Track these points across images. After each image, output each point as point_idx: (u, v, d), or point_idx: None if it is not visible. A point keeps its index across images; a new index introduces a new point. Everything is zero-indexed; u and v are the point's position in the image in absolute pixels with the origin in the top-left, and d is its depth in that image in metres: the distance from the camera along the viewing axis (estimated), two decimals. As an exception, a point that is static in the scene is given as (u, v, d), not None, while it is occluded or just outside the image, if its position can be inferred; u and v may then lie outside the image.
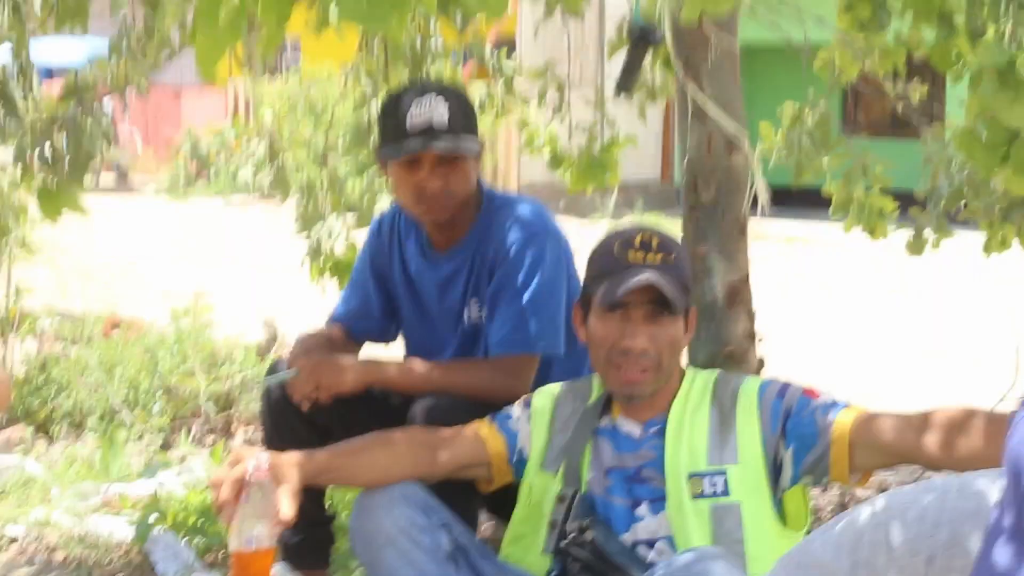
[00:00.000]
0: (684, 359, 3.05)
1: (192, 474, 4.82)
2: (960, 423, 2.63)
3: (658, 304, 2.87)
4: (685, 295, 2.92)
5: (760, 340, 4.49)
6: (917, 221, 5.20)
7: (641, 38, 5.16)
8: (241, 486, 2.61)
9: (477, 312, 3.59)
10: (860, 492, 4.68)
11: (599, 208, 17.84)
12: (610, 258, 2.92)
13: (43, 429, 5.85)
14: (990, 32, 3.11)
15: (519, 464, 3.08)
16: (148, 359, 6.37)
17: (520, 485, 3.08)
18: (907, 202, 5.21)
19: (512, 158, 19.85)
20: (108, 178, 23.28)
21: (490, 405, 3.20)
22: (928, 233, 5.25)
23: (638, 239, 2.91)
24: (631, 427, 2.97)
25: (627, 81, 5.34)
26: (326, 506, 3.78)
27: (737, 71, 4.45)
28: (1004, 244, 5.01)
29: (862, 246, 5.95)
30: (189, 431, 5.72)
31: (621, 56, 5.32)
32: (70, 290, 8.24)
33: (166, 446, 5.59)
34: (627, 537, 2.91)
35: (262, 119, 5.92)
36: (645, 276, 2.84)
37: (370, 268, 3.82)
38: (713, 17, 4.11)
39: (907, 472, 5.44)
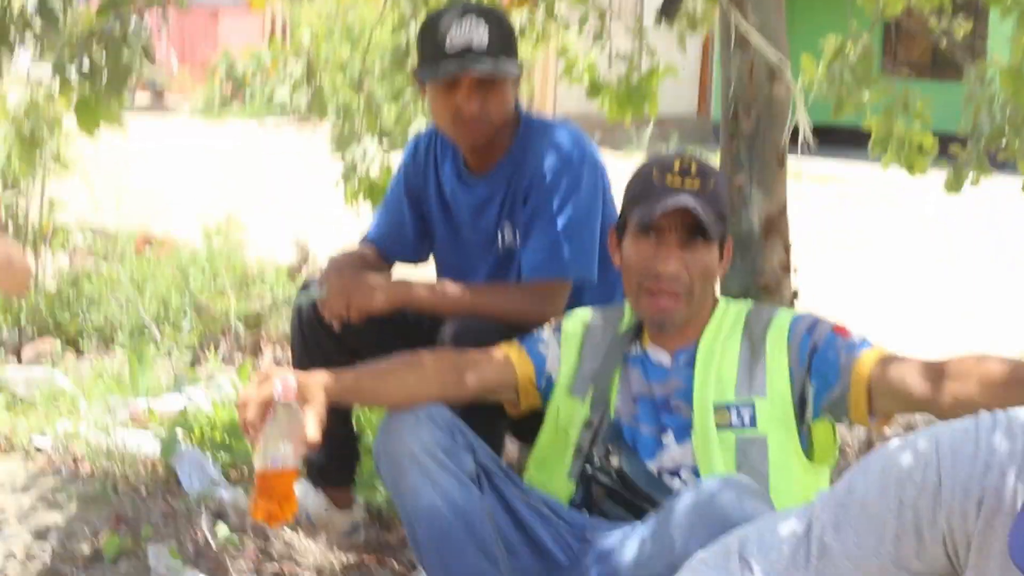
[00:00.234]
0: (718, 290, 3.01)
1: (220, 391, 4.84)
2: (982, 372, 2.58)
3: (693, 230, 2.84)
4: (721, 223, 2.89)
5: (795, 272, 4.46)
6: (956, 159, 5.14)
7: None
8: (268, 407, 2.60)
9: (511, 236, 3.55)
10: (886, 430, 4.66)
11: (634, 141, 17.78)
12: (648, 182, 2.88)
13: (72, 343, 5.88)
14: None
15: (547, 388, 3.06)
16: (179, 277, 6.40)
17: (547, 409, 3.07)
18: (944, 144, 5.16)
19: (549, 88, 19.77)
20: (143, 98, 23.28)
21: (521, 329, 3.18)
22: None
23: (677, 164, 2.87)
24: (661, 356, 2.95)
25: (669, 8, 5.29)
26: (352, 425, 3.77)
27: (781, 1, 4.41)
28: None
29: (898, 185, 5.90)
30: (217, 349, 5.73)
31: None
32: (103, 207, 8.24)
33: (194, 363, 5.61)
34: (652, 465, 2.89)
35: (299, 40, 5.86)
36: (681, 199, 2.80)
37: (405, 189, 3.79)
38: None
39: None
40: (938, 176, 5.33)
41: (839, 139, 14.05)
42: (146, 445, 4.26)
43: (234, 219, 7.14)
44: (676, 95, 19.36)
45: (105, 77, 4.16)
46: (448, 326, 3.28)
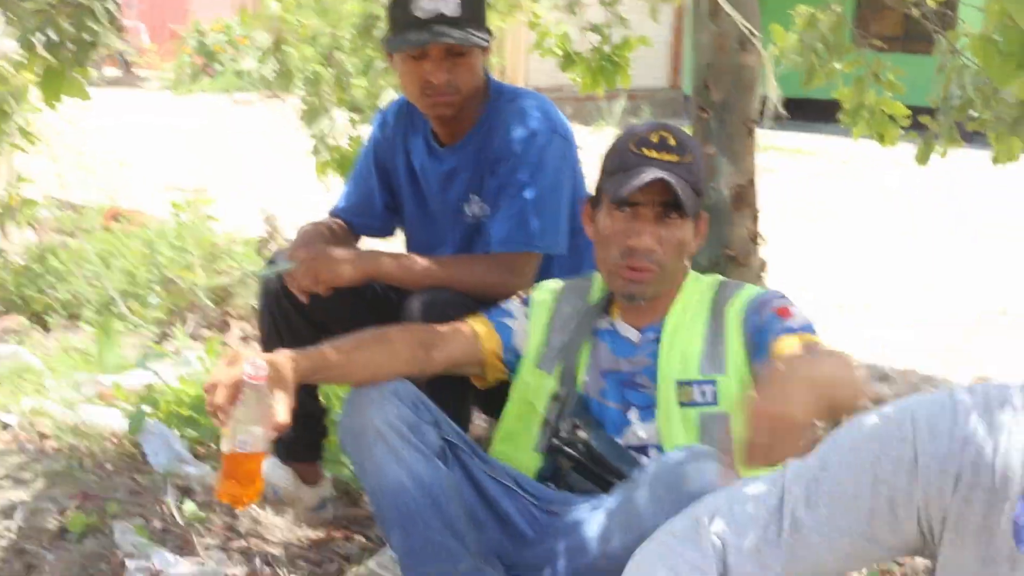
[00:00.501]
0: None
1: (187, 366, 4.80)
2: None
3: (668, 205, 2.81)
4: (697, 198, 2.86)
5: (763, 243, 4.45)
6: (926, 130, 5.13)
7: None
8: (237, 390, 2.57)
9: (479, 208, 3.52)
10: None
11: (605, 115, 17.75)
12: (625, 154, 2.85)
13: (39, 319, 5.84)
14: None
15: (513, 362, 3.04)
16: (147, 252, 6.34)
17: (513, 383, 3.04)
18: (916, 117, 5.15)
19: (520, 60, 19.70)
20: (113, 71, 23.16)
21: (488, 301, 3.15)
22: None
23: (655, 136, 2.84)
24: (629, 332, 2.94)
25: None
26: (320, 400, 3.74)
27: (752, -30, 4.38)
28: (1010, 156, 4.93)
29: (864, 158, 5.90)
30: (185, 324, 5.69)
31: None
32: (70, 181, 8.18)
33: (162, 339, 5.57)
34: (619, 441, 2.87)
35: (267, 9, 5.82)
36: (658, 174, 2.77)
37: (374, 161, 3.75)
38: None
39: (904, 386, 5.43)
40: (905, 149, 5.33)
41: (808, 112, 14.05)
42: (113, 421, 4.22)
43: (202, 193, 7.09)
44: (649, 68, 19.36)
45: (71, 47, 4.11)
46: (415, 299, 3.25)
